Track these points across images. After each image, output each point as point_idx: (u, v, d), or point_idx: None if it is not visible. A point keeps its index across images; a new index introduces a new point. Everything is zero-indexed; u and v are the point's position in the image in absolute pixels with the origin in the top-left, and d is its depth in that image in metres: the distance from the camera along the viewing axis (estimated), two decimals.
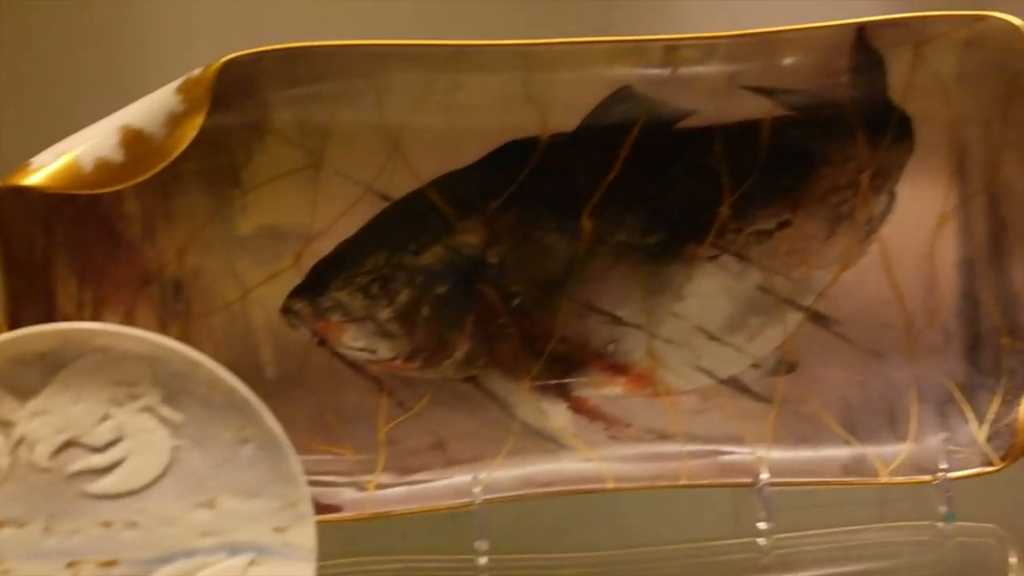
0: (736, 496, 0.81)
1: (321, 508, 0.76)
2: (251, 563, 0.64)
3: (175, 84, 0.71)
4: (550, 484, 0.78)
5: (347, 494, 0.77)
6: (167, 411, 0.64)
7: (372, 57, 0.74)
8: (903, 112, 0.78)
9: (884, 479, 0.79)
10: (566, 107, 0.77)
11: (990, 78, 0.77)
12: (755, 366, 0.81)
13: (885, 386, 0.81)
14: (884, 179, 0.79)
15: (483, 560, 0.76)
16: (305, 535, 0.65)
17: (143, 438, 0.64)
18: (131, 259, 0.76)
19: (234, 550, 0.65)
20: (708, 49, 0.75)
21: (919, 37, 0.76)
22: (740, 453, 0.80)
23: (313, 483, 0.76)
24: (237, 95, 0.73)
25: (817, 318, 0.81)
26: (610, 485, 0.78)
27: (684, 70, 0.76)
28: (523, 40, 0.74)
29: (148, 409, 0.64)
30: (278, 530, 0.65)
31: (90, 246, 0.75)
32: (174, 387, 0.64)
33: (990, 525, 0.81)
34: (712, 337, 0.80)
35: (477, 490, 0.77)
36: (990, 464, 0.79)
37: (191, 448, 0.65)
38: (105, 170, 0.69)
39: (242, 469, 0.65)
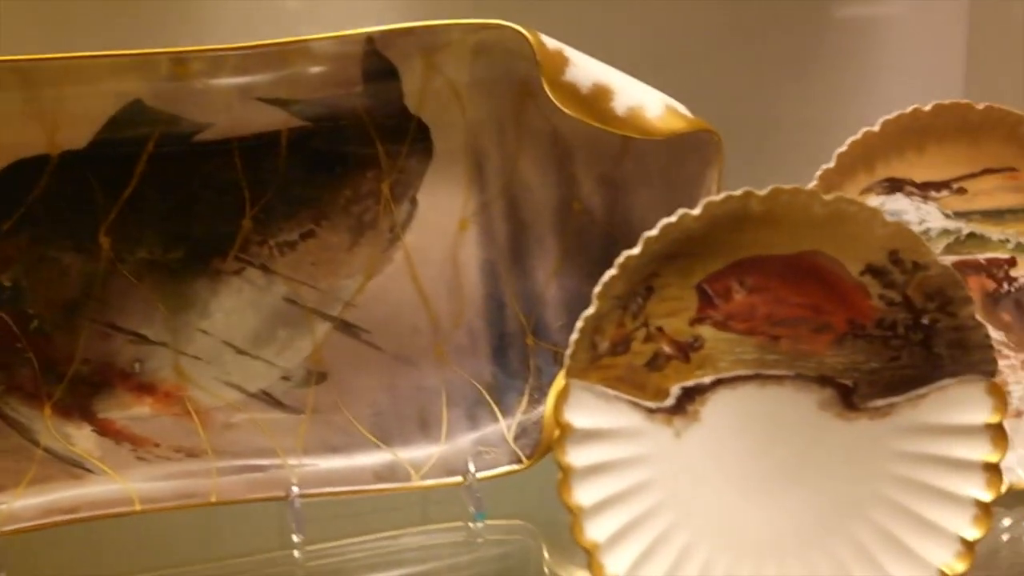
0: (280, 508, 0.80)
1: None
2: None
3: None
4: (75, 510, 0.76)
5: None
6: None
7: None
8: (420, 120, 0.79)
9: (416, 484, 0.80)
10: (75, 123, 0.75)
11: (501, 84, 0.79)
12: (285, 378, 0.81)
13: (416, 391, 0.82)
14: (405, 187, 0.80)
15: None
16: None
17: None
18: None
19: None
20: (217, 61, 0.74)
21: (429, 45, 0.77)
22: (272, 467, 0.80)
23: None
24: None
25: (346, 327, 0.81)
26: (138, 507, 0.76)
27: (195, 83, 0.75)
28: (22, 56, 0.72)
29: None
30: None
31: None
32: None
33: (519, 522, 0.83)
34: (240, 351, 0.80)
35: None
36: (519, 462, 0.81)
37: None
38: None
39: None
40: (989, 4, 1.05)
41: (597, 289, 0.66)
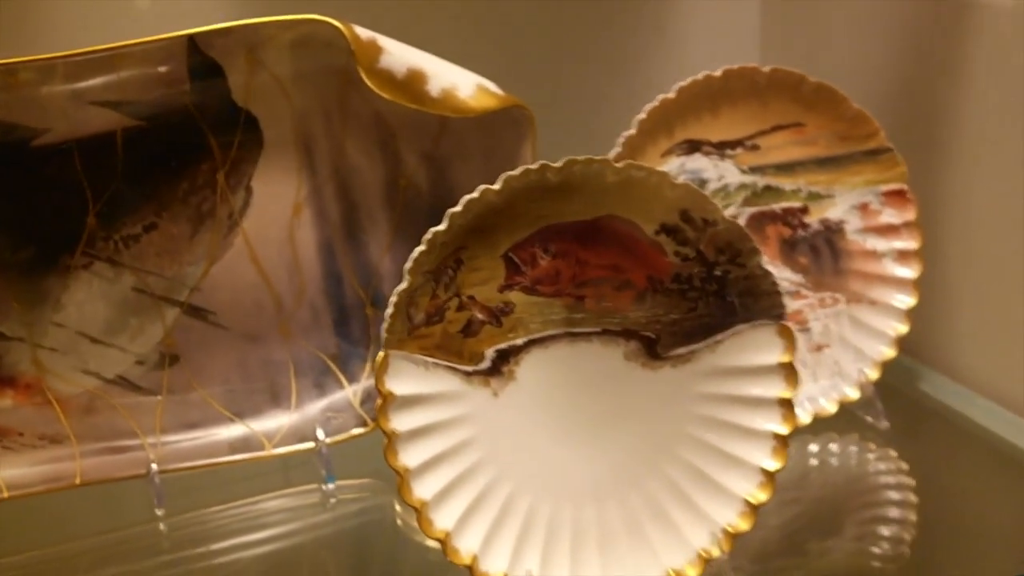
0: (147, 485, 0.85)
1: None
2: None
3: None
4: None
5: None
6: None
7: None
8: (248, 112, 0.84)
9: (268, 452, 0.86)
10: None
11: (323, 75, 0.83)
12: (140, 363, 0.86)
13: (265, 366, 0.88)
14: (240, 176, 0.85)
15: None
16: None
17: None
18: None
19: None
20: (47, 70, 0.78)
21: (250, 42, 0.81)
22: (133, 447, 0.85)
23: None
24: None
25: (194, 311, 0.86)
26: (6, 494, 0.81)
27: (27, 92, 0.79)
28: None
29: None
30: None
31: None
32: None
33: (371, 480, 0.89)
34: (95, 341, 0.85)
35: None
36: (365, 425, 0.87)
37: None
38: None
39: None
40: None
41: (408, 265, 0.71)
